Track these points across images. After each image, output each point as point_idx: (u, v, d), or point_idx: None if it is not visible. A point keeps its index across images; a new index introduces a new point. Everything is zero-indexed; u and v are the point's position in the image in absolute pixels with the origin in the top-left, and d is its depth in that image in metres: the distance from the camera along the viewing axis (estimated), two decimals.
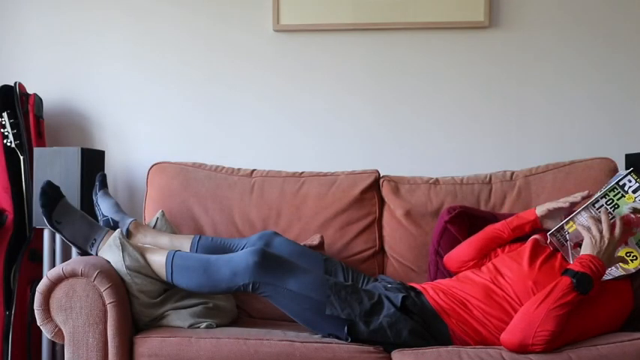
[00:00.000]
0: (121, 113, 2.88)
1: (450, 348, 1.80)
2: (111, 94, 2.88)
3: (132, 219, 2.26)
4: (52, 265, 2.61)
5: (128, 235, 2.20)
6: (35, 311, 1.92)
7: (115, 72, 2.88)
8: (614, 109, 2.74)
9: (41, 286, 1.91)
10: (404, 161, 2.75)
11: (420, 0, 2.75)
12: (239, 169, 2.56)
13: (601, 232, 1.79)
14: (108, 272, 1.93)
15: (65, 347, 1.92)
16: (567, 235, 1.90)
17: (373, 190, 2.44)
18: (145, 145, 2.87)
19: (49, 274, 1.92)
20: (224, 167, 2.57)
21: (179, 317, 2.01)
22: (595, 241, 1.78)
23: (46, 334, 1.94)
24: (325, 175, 2.50)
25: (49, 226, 2.09)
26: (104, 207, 2.33)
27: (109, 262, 1.98)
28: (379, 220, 2.42)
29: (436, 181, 2.46)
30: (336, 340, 1.85)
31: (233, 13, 2.84)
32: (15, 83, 2.73)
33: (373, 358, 1.81)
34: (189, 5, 2.85)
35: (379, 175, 2.47)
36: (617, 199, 1.84)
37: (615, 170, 2.37)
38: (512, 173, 2.44)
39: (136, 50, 2.88)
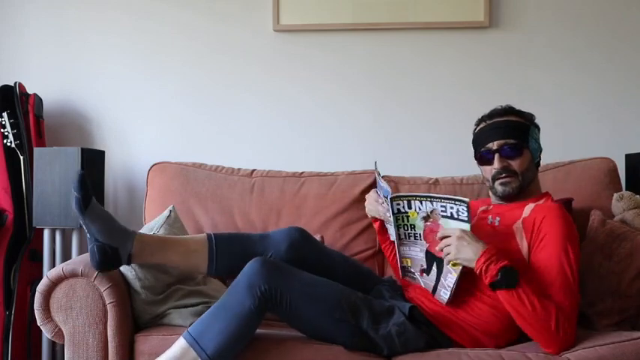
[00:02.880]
0: (121, 113, 2.88)
1: (450, 350, 1.80)
2: (111, 94, 2.88)
3: (131, 240, 1.89)
4: (52, 265, 2.61)
5: (130, 260, 1.91)
6: (35, 311, 1.92)
7: (115, 72, 2.88)
8: (614, 110, 2.74)
9: (41, 286, 1.91)
10: (404, 161, 2.75)
11: (420, 0, 2.75)
12: (239, 169, 2.56)
13: (451, 244, 1.76)
14: (108, 272, 1.93)
15: (65, 347, 1.92)
16: (413, 270, 1.91)
17: None
18: (145, 145, 2.87)
19: (49, 274, 1.92)
20: (224, 167, 2.57)
21: (181, 316, 2.01)
22: (457, 251, 1.74)
23: (46, 334, 1.94)
24: (325, 175, 2.50)
25: (81, 218, 1.82)
26: (96, 229, 1.86)
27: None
28: None
29: (436, 181, 2.46)
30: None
31: (233, 13, 2.84)
32: (15, 83, 2.73)
33: None
34: (189, 5, 2.85)
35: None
36: (408, 221, 1.84)
37: (615, 170, 2.37)
38: None
39: (136, 50, 2.88)
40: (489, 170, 1.96)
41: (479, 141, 1.99)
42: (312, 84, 2.83)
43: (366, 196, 2.06)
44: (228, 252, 1.93)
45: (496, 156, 1.93)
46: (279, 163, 2.68)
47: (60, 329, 1.92)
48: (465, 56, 2.78)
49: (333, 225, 2.40)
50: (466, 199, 1.73)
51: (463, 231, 1.74)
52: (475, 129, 2.04)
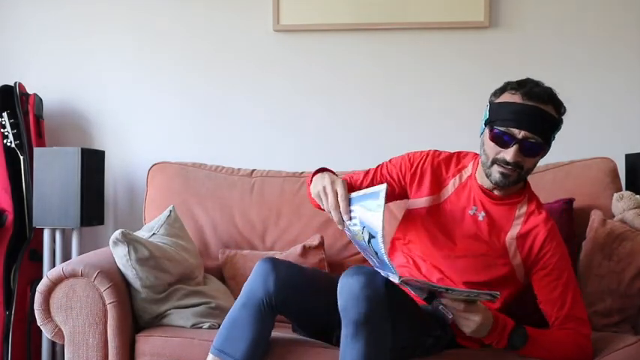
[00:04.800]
0: (121, 113, 2.88)
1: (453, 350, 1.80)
2: (111, 93, 2.88)
3: None
4: (52, 265, 2.61)
5: None
6: (35, 311, 1.92)
7: (115, 72, 2.88)
8: (614, 109, 2.74)
9: (41, 286, 1.91)
10: None
11: (420, 0, 2.75)
12: (239, 169, 2.56)
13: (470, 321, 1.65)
14: (108, 272, 1.93)
15: (65, 347, 1.92)
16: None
17: None
18: (145, 145, 2.87)
19: (49, 274, 1.92)
20: (224, 167, 2.57)
21: (181, 317, 2.01)
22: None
23: (46, 334, 1.95)
24: None
25: None
26: None
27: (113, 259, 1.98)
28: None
29: None
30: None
31: (233, 13, 2.84)
32: (15, 83, 2.73)
33: None
34: (189, 6, 2.85)
35: None
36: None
37: (615, 170, 2.37)
38: None
39: (136, 50, 2.88)
40: (497, 151, 1.73)
41: (503, 116, 1.71)
42: (312, 84, 2.83)
43: (328, 190, 1.70)
44: None
45: (515, 147, 1.70)
46: (279, 163, 2.68)
47: (60, 329, 1.92)
48: (464, 56, 2.78)
49: (332, 225, 2.38)
50: (382, 186, 1.55)
51: (485, 317, 1.63)
52: (502, 91, 1.78)
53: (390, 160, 2.00)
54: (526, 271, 1.83)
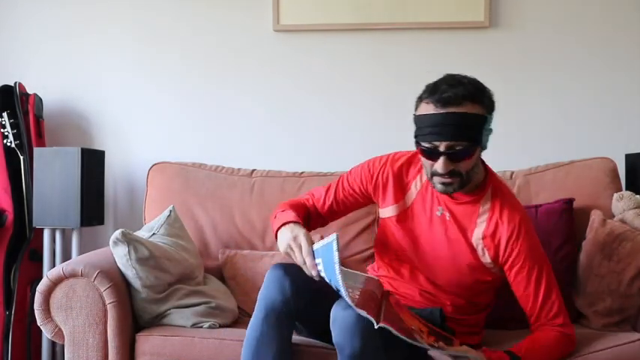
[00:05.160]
0: (121, 113, 2.88)
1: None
2: (111, 93, 2.88)
3: None
4: (52, 265, 2.61)
5: None
6: (35, 311, 1.92)
7: (115, 72, 2.88)
8: (614, 109, 2.74)
9: (41, 286, 1.91)
10: None
11: (420, 0, 2.75)
12: (239, 169, 2.56)
13: None
14: (108, 272, 1.93)
15: (65, 347, 1.92)
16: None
17: None
18: (145, 145, 2.87)
19: (49, 274, 1.93)
20: (224, 167, 2.57)
21: (182, 316, 2.01)
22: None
23: (46, 334, 1.95)
24: (325, 175, 2.49)
25: None
26: None
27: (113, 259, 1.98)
28: (379, 220, 2.42)
29: None
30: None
31: (233, 13, 2.84)
32: (15, 83, 2.73)
33: None
34: (189, 6, 2.85)
35: None
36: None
37: (615, 170, 2.37)
38: (512, 173, 2.45)
39: (136, 50, 2.88)
40: (430, 165, 1.70)
41: (423, 132, 1.67)
42: (312, 84, 2.83)
43: (294, 247, 1.67)
44: None
45: (442, 159, 1.66)
46: (279, 163, 2.68)
47: (60, 329, 1.92)
48: (464, 56, 2.77)
49: (332, 225, 2.39)
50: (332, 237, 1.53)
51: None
52: (418, 104, 1.73)
53: (349, 172, 1.96)
54: (499, 268, 1.81)
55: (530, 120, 2.76)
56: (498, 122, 2.75)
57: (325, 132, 2.82)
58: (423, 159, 1.73)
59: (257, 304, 1.70)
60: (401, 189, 1.88)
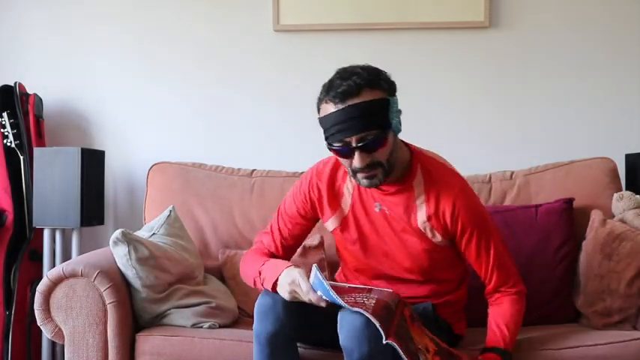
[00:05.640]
0: (121, 113, 2.88)
1: None
2: (111, 94, 2.88)
3: None
4: (52, 265, 2.61)
5: None
6: (35, 311, 1.92)
7: (115, 72, 2.88)
8: (614, 109, 2.74)
9: (41, 286, 1.91)
10: None
11: (420, 0, 2.75)
12: (239, 169, 2.56)
13: None
14: (108, 272, 1.93)
15: (65, 347, 1.92)
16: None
17: None
18: (145, 145, 2.86)
19: (49, 274, 1.92)
20: (224, 167, 2.57)
21: (182, 316, 2.01)
22: None
23: (46, 334, 1.95)
24: None
25: None
26: None
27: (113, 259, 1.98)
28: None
29: None
30: None
31: (233, 13, 2.84)
32: (15, 83, 2.73)
33: None
34: (189, 6, 2.85)
35: None
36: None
37: (615, 170, 2.37)
38: (512, 173, 2.45)
39: (136, 50, 2.87)
40: (349, 163, 1.67)
41: (331, 132, 1.63)
42: (311, 84, 2.80)
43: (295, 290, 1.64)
44: None
45: (357, 153, 1.62)
46: (279, 163, 2.68)
47: (60, 329, 1.92)
48: (465, 56, 2.78)
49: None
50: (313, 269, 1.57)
51: None
52: (319, 106, 1.68)
53: (284, 205, 1.93)
54: (450, 243, 1.81)
55: (530, 120, 2.76)
56: (498, 122, 2.78)
57: None
58: (340, 159, 1.70)
59: (255, 340, 1.67)
60: (335, 197, 1.85)
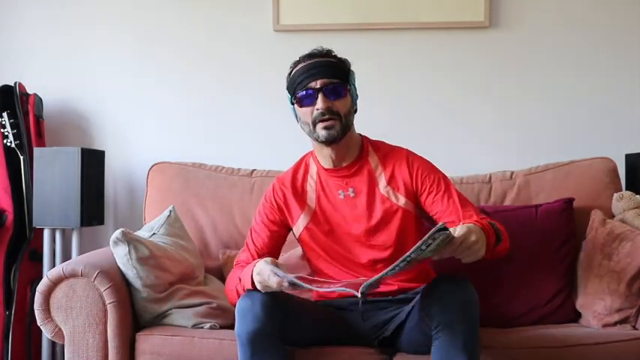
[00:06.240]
0: (121, 113, 2.88)
1: None
2: (111, 94, 2.88)
3: None
4: (52, 265, 2.61)
5: None
6: (35, 311, 1.92)
7: (116, 72, 2.88)
8: (614, 109, 2.74)
9: (41, 286, 1.91)
10: None
11: (420, 0, 2.75)
12: (239, 169, 2.56)
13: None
14: (108, 272, 1.93)
15: (65, 347, 1.92)
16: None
17: None
18: (145, 145, 2.86)
19: (49, 274, 1.93)
20: (224, 167, 2.57)
21: (182, 316, 2.01)
22: None
23: (46, 334, 1.95)
24: None
25: None
26: None
27: (114, 259, 1.98)
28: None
29: None
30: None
31: (233, 13, 2.84)
32: (15, 83, 2.73)
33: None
34: (189, 6, 2.85)
35: None
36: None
37: (615, 170, 2.37)
38: (512, 173, 2.45)
39: (136, 50, 2.88)
40: (310, 112, 1.84)
41: (298, 81, 1.85)
42: None
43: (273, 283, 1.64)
44: None
45: (320, 95, 1.81)
46: (279, 163, 2.67)
47: (60, 329, 1.92)
48: (465, 56, 2.78)
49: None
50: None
51: (474, 232, 1.58)
52: (291, 71, 1.90)
53: (254, 219, 1.98)
54: (415, 202, 1.90)
55: (530, 120, 2.76)
56: (498, 122, 2.78)
57: None
58: (302, 112, 1.86)
59: (237, 342, 1.67)
60: (300, 196, 1.95)
